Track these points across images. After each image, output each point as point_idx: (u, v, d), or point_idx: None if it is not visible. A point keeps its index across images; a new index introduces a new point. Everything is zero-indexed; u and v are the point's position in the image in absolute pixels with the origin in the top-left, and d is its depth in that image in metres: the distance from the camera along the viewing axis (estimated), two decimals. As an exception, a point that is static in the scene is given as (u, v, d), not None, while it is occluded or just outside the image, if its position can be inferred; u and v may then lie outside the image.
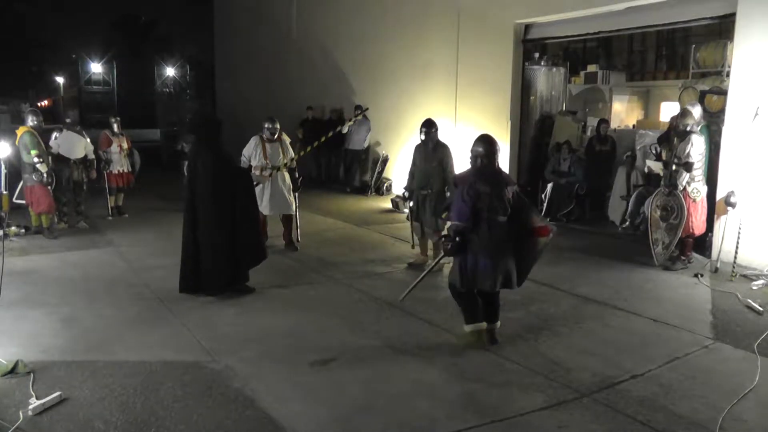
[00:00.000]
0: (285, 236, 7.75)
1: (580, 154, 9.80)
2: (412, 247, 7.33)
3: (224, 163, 5.78)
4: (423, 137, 6.88)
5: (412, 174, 6.98)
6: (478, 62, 10.39)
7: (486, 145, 4.63)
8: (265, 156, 7.44)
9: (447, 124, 11.04)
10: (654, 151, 7.72)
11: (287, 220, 7.75)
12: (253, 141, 7.53)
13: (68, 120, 8.81)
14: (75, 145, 8.56)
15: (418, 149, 6.97)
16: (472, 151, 4.67)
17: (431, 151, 6.81)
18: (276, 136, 7.58)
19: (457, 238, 4.48)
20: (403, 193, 7.21)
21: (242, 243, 5.70)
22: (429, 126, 6.90)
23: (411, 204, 7.02)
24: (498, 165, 4.70)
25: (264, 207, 7.41)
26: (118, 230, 8.76)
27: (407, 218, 7.64)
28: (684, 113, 6.78)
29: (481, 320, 4.64)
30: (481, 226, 4.46)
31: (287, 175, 7.62)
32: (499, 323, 4.75)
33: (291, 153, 7.69)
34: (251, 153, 7.47)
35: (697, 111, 6.86)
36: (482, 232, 4.47)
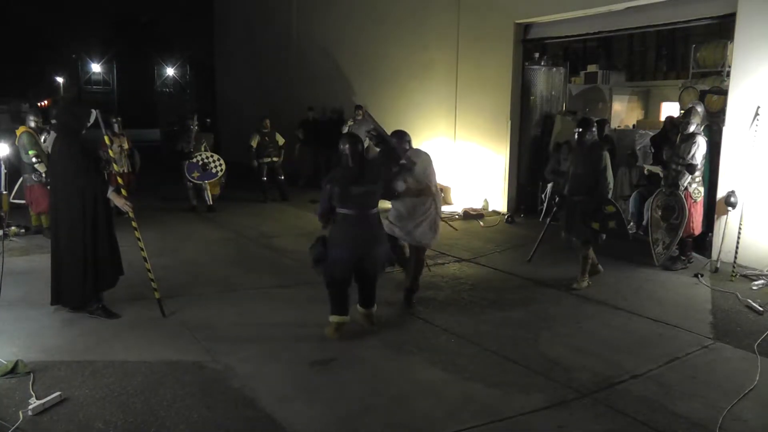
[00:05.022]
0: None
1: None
2: (529, 261, 6.75)
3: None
4: (577, 137, 6.25)
5: (566, 177, 6.37)
6: (478, 62, 10.40)
7: (348, 144, 4.83)
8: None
9: (447, 124, 11.07)
10: (650, 152, 7.71)
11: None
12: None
13: (53, 121, 8.68)
14: None
15: (574, 150, 6.40)
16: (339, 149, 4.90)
17: (587, 152, 6.15)
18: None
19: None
20: (553, 199, 6.47)
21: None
22: (586, 125, 6.20)
23: (558, 212, 6.39)
24: (364, 161, 4.87)
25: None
26: (118, 230, 8.69)
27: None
28: (690, 111, 6.76)
29: (346, 313, 4.86)
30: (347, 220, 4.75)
31: None
32: (374, 308, 5.03)
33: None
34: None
35: (702, 110, 6.86)
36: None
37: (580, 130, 6.22)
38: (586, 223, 6.12)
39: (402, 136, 5.63)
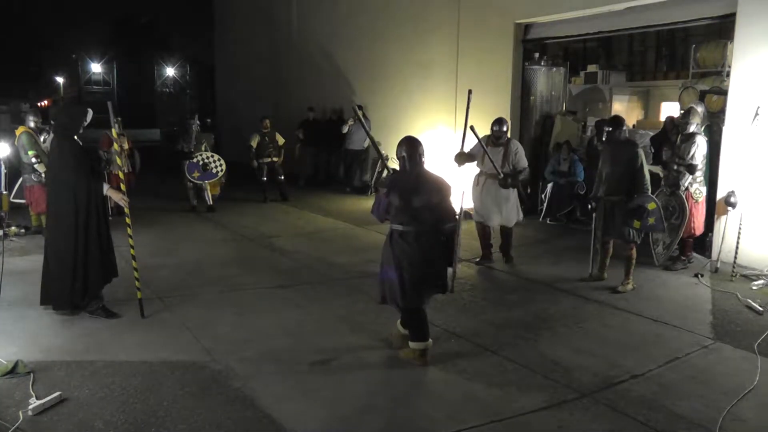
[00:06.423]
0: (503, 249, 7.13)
1: (580, 154, 9.80)
2: (590, 276, 6.46)
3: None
4: (607, 136, 6.25)
5: (599, 178, 6.31)
6: (478, 62, 10.39)
7: (406, 147, 4.35)
8: (483, 162, 6.77)
9: (447, 125, 11.07)
10: (650, 152, 7.71)
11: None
12: (481, 142, 6.68)
13: (53, 121, 8.68)
14: None
15: (605, 150, 6.34)
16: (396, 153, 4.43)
17: (620, 151, 6.05)
18: (502, 141, 6.80)
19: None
20: (590, 204, 6.60)
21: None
22: (617, 124, 6.12)
23: (595, 215, 6.35)
24: (423, 169, 4.34)
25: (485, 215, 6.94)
26: (118, 230, 8.73)
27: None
28: (690, 111, 6.76)
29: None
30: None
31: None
32: (429, 342, 4.40)
33: (523, 163, 6.82)
34: (475, 153, 6.73)
35: (702, 110, 6.86)
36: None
37: (610, 129, 6.15)
38: (627, 223, 6.03)
39: (501, 122, 6.95)
